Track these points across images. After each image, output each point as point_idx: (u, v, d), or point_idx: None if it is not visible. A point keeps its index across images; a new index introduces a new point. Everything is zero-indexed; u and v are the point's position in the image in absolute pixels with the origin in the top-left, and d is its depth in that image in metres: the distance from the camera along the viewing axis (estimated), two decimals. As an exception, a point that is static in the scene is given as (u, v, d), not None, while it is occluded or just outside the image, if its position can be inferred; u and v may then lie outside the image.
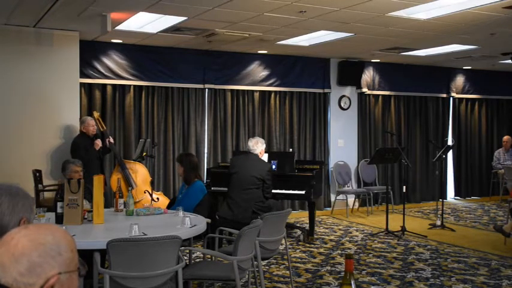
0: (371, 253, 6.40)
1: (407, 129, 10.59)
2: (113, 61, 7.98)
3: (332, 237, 7.31)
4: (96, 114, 7.10)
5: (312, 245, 6.80)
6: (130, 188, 6.77)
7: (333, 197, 9.55)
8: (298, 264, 5.88)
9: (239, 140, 8.93)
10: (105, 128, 7.15)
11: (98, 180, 4.20)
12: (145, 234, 3.63)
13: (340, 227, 8.05)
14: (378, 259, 6.11)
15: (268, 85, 9.19)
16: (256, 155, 6.02)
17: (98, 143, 6.82)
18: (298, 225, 7.89)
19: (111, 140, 7.07)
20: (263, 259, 4.55)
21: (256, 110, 9.10)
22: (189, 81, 8.52)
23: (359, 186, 9.87)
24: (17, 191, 2.02)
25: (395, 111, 10.43)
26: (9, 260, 1.22)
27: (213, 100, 8.76)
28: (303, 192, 6.90)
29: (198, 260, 5.56)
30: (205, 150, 8.71)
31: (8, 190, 2.00)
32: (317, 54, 9.21)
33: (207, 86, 8.64)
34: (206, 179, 7.52)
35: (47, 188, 6.63)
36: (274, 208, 5.92)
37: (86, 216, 4.24)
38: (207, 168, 8.23)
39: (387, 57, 9.50)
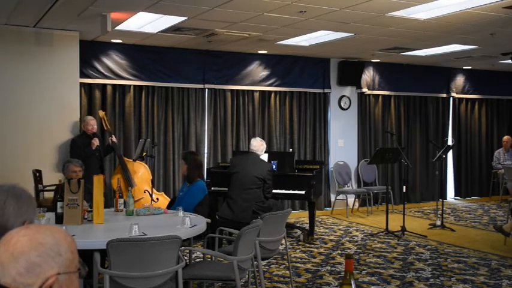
0: (371, 253, 6.40)
1: (407, 129, 10.59)
2: (113, 61, 7.98)
3: (332, 237, 7.31)
4: (101, 113, 7.20)
5: (312, 245, 6.80)
6: (130, 188, 6.77)
7: (333, 197, 9.54)
8: (298, 264, 5.88)
9: (239, 140, 8.92)
10: (109, 127, 7.21)
11: (98, 180, 4.20)
12: (145, 234, 3.63)
13: (340, 227, 8.05)
14: (378, 259, 6.11)
15: (268, 85, 9.19)
16: (257, 155, 6.03)
17: (95, 142, 6.84)
18: (298, 225, 7.89)
19: (114, 139, 7.10)
20: (263, 259, 4.55)
21: (256, 110, 9.09)
22: (189, 81, 8.51)
23: (359, 186, 9.87)
24: (21, 193, 2.00)
25: (395, 111, 10.43)
26: (9, 260, 1.21)
27: (213, 100, 8.76)
28: (303, 192, 6.90)
29: (198, 260, 5.56)
30: (205, 150, 8.71)
31: (13, 192, 1.97)
32: (317, 54, 9.21)
33: (207, 86, 8.64)
34: (206, 179, 7.52)
35: (47, 188, 6.63)
36: (274, 208, 5.93)
37: (86, 216, 4.24)
38: (207, 168, 8.21)
39: (387, 57, 9.50)
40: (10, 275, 1.20)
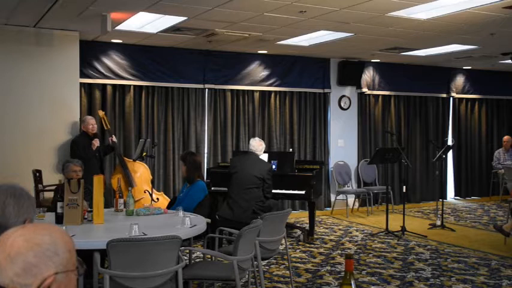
0: (371, 253, 6.40)
1: (407, 129, 10.59)
2: (113, 61, 7.98)
3: (332, 237, 7.30)
4: (101, 113, 7.21)
5: (312, 245, 6.80)
6: (130, 188, 6.77)
7: (333, 197, 9.54)
8: (298, 264, 5.88)
9: (239, 140, 8.92)
10: (109, 127, 7.22)
11: (97, 180, 4.20)
12: (145, 234, 3.63)
13: (340, 227, 8.04)
14: (378, 259, 6.11)
15: (268, 85, 9.19)
16: (257, 155, 6.03)
17: (95, 142, 6.84)
18: (298, 225, 7.89)
19: (114, 139, 7.10)
20: (263, 259, 4.55)
21: (256, 110, 9.09)
22: (189, 81, 8.51)
23: (359, 186, 9.87)
24: (21, 192, 2.01)
25: (395, 111, 10.43)
26: (5, 260, 1.21)
27: (213, 100, 8.76)
28: (303, 192, 6.90)
29: (198, 260, 5.56)
30: (205, 150, 8.71)
31: (12, 191, 1.98)
32: (317, 54, 9.20)
33: (207, 86, 8.64)
34: (206, 179, 7.52)
35: (47, 188, 6.63)
36: (274, 208, 5.93)
37: (86, 216, 4.24)
38: (207, 168, 8.22)
39: (387, 57, 9.49)
40: (7, 276, 1.20)
